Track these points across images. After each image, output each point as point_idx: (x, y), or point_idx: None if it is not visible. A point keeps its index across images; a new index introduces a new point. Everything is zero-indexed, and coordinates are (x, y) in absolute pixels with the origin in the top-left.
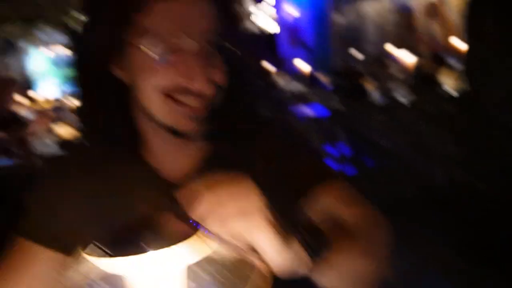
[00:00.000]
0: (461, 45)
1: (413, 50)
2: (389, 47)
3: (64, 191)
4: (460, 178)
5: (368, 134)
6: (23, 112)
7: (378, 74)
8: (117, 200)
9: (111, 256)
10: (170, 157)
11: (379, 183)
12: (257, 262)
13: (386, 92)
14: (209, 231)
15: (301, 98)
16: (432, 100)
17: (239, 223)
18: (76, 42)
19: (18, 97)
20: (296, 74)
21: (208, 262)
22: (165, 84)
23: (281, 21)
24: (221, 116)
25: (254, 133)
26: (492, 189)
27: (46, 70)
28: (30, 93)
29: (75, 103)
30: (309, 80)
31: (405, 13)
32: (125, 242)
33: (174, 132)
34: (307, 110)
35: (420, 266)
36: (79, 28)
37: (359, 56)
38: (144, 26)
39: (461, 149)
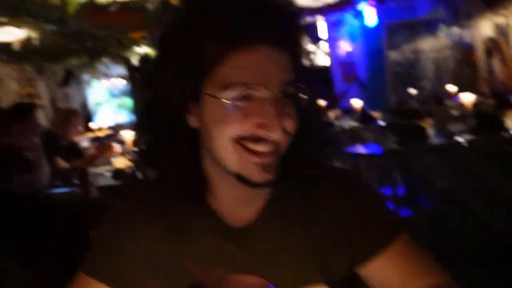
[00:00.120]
0: None
1: (472, 87)
2: (447, 85)
3: (129, 232)
4: None
5: (424, 175)
6: (84, 143)
7: (435, 112)
8: (179, 245)
9: None
10: (234, 203)
11: (435, 226)
12: None
13: (443, 131)
14: None
15: (355, 136)
16: (492, 140)
17: None
18: (151, 88)
19: (80, 128)
20: (351, 111)
21: None
22: (240, 133)
23: (335, 57)
24: (287, 163)
25: (318, 179)
26: None
27: (105, 101)
28: (90, 123)
29: (133, 135)
30: (364, 118)
31: (464, 49)
32: None
33: (244, 181)
34: (361, 149)
35: None
36: (151, 71)
37: (415, 93)
38: (222, 77)
39: None
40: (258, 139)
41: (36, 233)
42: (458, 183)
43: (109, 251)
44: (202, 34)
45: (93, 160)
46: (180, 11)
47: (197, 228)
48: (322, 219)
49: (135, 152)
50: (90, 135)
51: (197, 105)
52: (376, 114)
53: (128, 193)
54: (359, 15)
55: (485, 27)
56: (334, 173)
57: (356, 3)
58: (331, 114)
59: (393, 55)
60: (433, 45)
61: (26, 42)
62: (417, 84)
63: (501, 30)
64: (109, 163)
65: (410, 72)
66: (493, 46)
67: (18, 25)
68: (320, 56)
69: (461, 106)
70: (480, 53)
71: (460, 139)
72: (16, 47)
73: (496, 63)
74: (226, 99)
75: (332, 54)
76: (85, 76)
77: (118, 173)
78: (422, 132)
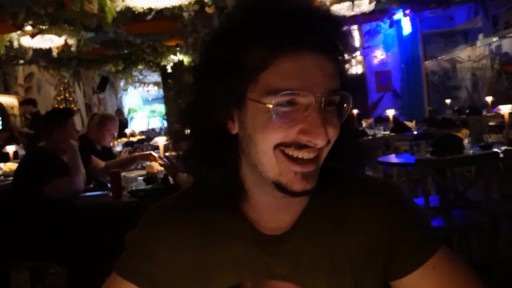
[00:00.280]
0: None
1: (509, 98)
2: (484, 95)
3: (163, 236)
4: None
5: (458, 185)
6: (118, 147)
7: (472, 122)
8: (212, 251)
9: None
10: (269, 212)
11: (468, 238)
12: None
13: (479, 142)
14: None
15: (388, 145)
16: None
17: None
18: (191, 93)
19: (114, 134)
20: (384, 120)
21: None
22: (282, 140)
23: (370, 66)
24: (323, 171)
25: (355, 189)
26: None
27: (139, 107)
28: (125, 129)
29: (167, 141)
30: (396, 127)
31: (501, 59)
32: None
33: (283, 190)
34: (394, 158)
35: None
36: (194, 76)
37: (452, 103)
38: (267, 82)
39: None
40: (301, 146)
41: (71, 236)
42: (492, 194)
43: (142, 255)
44: (248, 39)
45: (127, 165)
46: (227, 16)
47: (231, 236)
48: (358, 230)
49: (166, 157)
50: (124, 140)
51: (239, 111)
52: (410, 123)
53: (165, 200)
54: (395, 24)
55: None
56: (377, 185)
57: (392, 12)
58: (364, 123)
59: (430, 65)
60: (470, 55)
61: (64, 49)
62: (453, 94)
63: None
64: (142, 167)
65: (446, 82)
66: None
67: (57, 32)
68: (355, 64)
69: (498, 116)
70: None
71: (496, 150)
72: (55, 53)
73: None
74: (270, 105)
75: (367, 63)
76: (121, 83)
77: (150, 178)
78: (457, 142)
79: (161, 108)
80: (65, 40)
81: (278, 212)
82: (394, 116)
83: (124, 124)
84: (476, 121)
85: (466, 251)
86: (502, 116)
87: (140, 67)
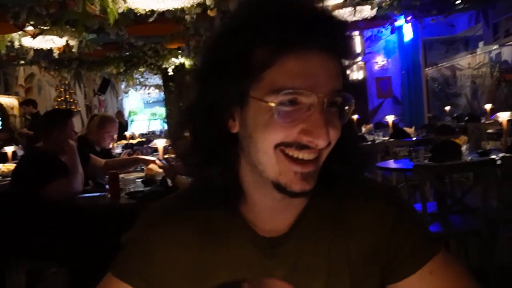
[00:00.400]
0: None
1: (509, 105)
2: (483, 102)
3: (160, 237)
4: None
5: (456, 191)
6: (118, 150)
7: (470, 129)
8: (209, 252)
9: None
10: (268, 213)
11: (466, 244)
12: None
13: (477, 149)
14: None
15: (387, 151)
16: None
17: None
18: (191, 92)
19: (114, 135)
20: (383, 126)
21: None
22: (283, 139)
23: (371, 72)
24: (323, 174)
25: (354, 192)
26: None
27: (140, 109)
28: (125, 131)
29: (166, 142)
30: (396, 133)
31: (501, 67)
32: None
33: (282, 190)
34: (392, 164)
35: None
36: (195, 80)
37: (451, 110)
38: (270, 81)
39: None
40: (301, 147)
41: (69, 237)
42: (490, 200)
43: (139, 255)
44: (253, 37)
45: (127, 167)
46: (231, 15)
47: (229, 237)
48: (356, 232)
49: (166, 159)
50: (124, 142)
51: (241, 109)
52: (409, 130)
53: (163, 200)
54: (396, 30)
55: None
56: (376, 187)
57: (393, 18)
58: (364, 129)
59: (430, 72)
60: (470, 62)
61: (66, 50)
62: (453, 101)
63: None
64: (141, 169)
65: (446, 89)
66: None
67: (58, 33)
68: (356, 70)
69: (496, 124)
70: None
71: (494, 156)
72: (56, 54)
73: None
74: (273, 103)
75: (368, 69)
76: (122, 85)
77: (149, 180)
78: (455, 148)
79: (162, 111)
80: (67, 41)
81: (276, 214)
82: (393, 122)
83: (124, 126)
84: (475, 128)
85: (464, 257)
86: (500, 123)
87: (141, 69)
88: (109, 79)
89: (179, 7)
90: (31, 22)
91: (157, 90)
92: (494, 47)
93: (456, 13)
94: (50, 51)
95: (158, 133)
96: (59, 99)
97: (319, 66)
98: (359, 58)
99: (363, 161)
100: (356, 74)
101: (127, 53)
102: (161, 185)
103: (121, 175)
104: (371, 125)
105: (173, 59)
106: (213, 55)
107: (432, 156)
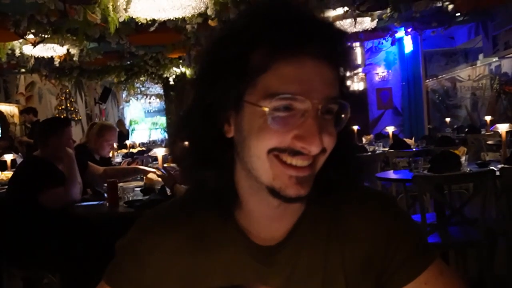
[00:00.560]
0: None
1: (508, 117)
2: (483, 114)
3: (152, 244)
4: None
5: (455, 202)
6: (118, 158)
7: (470, 140)
8: (203, 259)
9: None
10: (263, 220)
11: (465, 255)
12: None
13: (476, 160)
14: None
15: (386, 162)
16: None
17: None
18: (189, 97)
19: (114, 144)
20: (383, 137)
21: None
22: (277, 145)
23: (371, 83)
24: (319, 182)
25: (352, 200)
26: None
27: (140, 118)
28: (125, 140)
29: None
30: (396, 144)
31: (501, 79)
32: None
33: (277, 195)
34: (392, 174)
35: None
36: (190, 84)
37: (451, 121)
38: (265, 86)
39: None
40: (295, 153)
41: (66, 245)
42: (489, 211)
43: (132, 262)
44: (249, 41)
45: (126, 175)
46: (229, 22)
47: (223, 244)
48: (351, 241)
49: (165, 168)
50: (124, 151)
51: (236, 114)
52: (409, 141)
53: (157, 208)
54: (396, 42)
55: None
56: (371, 195)
57: (393, 30)
58: (364, 139)
59: (430, 83)
60: (470, 74)
61: (67, 58)
62: (453, 112)
63: None
64: (140, 178)
65: (446, 100)
66: None
67: (59, 41)
68: (357, 81)
69: (496, 135)
70: None
71: (492, 167)
72: (57, 62)
73: None
74: (267, 108)
75: (369, 80)
76: (123, 94)
77: (148, 189)
78: (454, 159)
79: (162, 120)
80: (67, 50)
81: (272, 222)
82: (393, 133)
83: (125, 135)
84: (475, 140)
85: (463, 268)
86: (500, 135)
87: (142, 78)
88: (110, 88)
89: (180, 17)
90: (32, 30)
91: (158, 100)
92: (494, 59)
93: (456, 26)
94: (51, 59)
95: (159, 142)
96: (60, 108)
97: (314, 72)
98: (360, 69)
99: (360, 170)
100: (356, 85)
101: (128, 62)
102: (160, 194)
103: (120, 184)
104: (371, 136)
105: (174, 68)
106: (210, 59)
107: (431, 167)
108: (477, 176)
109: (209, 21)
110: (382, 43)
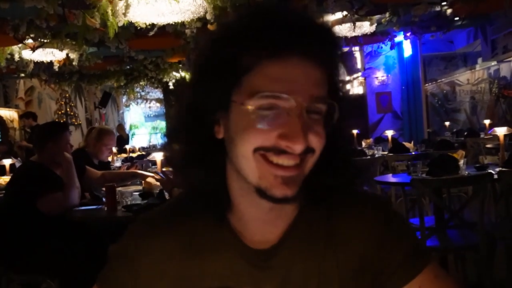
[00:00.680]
0: None
1: (507, 121)
2: (482, 117)
3: (145, 248)
4: None
5: (454, 206)
6: (117, 163)
7: (469, 144)
8: (196, 263)
9: None
10: (256, 224)
11: (464, 258)
12: None
13: (475, 163)
14: None
15: (386, 165)
16: None
17: None
18: (182, 99)
19: (113, 149)
20: (383, 141)
21: None
22: (262, 144)
23: (371, 87)
24: (312, 184)
25: (346, 203)
26: None
27: (140, 123)
28: (125, 145)
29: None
30: (395, 147)
31: (500, 83)
32: None
33: (264, 195)
34: (391, 178)
35: None
36: (183, 86)
37: (450, 125)
38: (251, 85)
39: None
40: (280, 152)
41: (64, 250)
42: (488, 215)
43: (124, 267)
44: (236, 42)
45: (124, 180)
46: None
47: (217, 248)
48: (345, 244)
49: (163, 172)
50: (124, 155)
51: (225, 114)
52: (408, 144)
53: (150, 212)
54: (395, 46)
55: None
56: (365, 198)
57: (393, 34)
58: (364, 143)
59: (430, 87)
60: (469, 78)
61: (66, 63)
62: (452, 116)
63: None
64: (139, 183)
65: (446, 104)
66: None
67: (58, 46)
68: (356, 85)
69: (495, 139)
70: None
71: (491, 171)
72: (56, 67)
73: None
74: (252, 107)
75: (368, 84)
76: (123, 99)
77: (146, 193)
78: (453, 162)
79: (163, 125)
80: (67, 54)
81: (265, 225)
82: (393, 137)
83: (125, 140)
84: (474, 143)
85: (461, 271)
86: (498, 138)
87: (142, 83)
88: (110, 92)
89: (180, 21)
90: (31, 35)
91: (158, 104)
92: (493, 63)
93: (455, 30)
94: (51, 64)
95: (159, 147)
96: (60, 112)
97: (299, 72)
98: (359, 74)
99: (355, 173)
100: (356, 89)
101: (128, 67)
102: (159, 198)
103: (118, 188)
104: (371, 140)
105: (173, 73)
106: (201, 61)
107: (429, 170)
108: (475, 179)
109: (208, 26)
110: (381, 47)
